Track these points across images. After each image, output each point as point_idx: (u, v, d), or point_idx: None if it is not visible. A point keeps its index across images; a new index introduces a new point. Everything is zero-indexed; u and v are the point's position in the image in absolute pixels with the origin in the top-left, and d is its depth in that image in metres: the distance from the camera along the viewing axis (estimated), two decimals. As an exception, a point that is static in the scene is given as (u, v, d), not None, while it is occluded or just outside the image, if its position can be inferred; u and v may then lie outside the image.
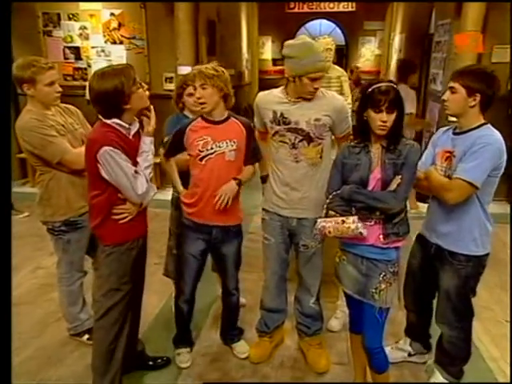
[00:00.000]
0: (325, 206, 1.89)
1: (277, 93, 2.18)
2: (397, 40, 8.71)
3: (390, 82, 1.83)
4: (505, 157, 1.89)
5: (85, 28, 5.61)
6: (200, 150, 2.15)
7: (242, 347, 2.56)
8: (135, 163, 1.92)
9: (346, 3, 11.80)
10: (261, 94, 2.30)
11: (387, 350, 2.45)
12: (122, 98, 1.80)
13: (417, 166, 1.80)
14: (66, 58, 5.67)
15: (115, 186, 1.88)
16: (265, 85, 8.21)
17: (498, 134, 1.89)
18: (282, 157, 2.18)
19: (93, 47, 5.61)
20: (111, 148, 1.80)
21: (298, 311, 2.45)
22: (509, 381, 2.34)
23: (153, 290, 2.66)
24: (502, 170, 1.91)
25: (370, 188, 1.80)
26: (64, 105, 2.42)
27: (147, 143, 1.96)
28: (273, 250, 2.33)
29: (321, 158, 2.15)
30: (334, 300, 2.82)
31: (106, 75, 1.80)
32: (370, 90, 1.75)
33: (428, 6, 6.67)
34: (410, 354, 2.45)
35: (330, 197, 1.86)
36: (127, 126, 1.90)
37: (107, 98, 1.80)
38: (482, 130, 1.89)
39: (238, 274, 2.45)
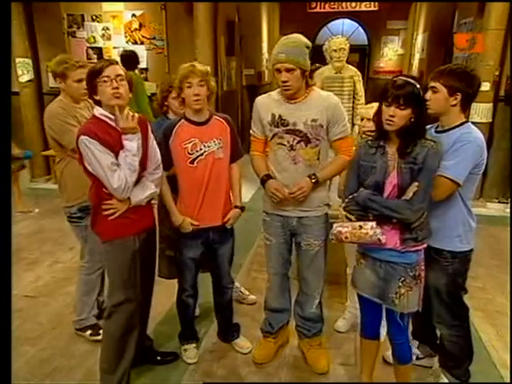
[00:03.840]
0: (341, 208, 1.85)
1: (274, 95, 2.16)
2: (420, 39, 8.57)
3: (413, 77, 1.75)
4: (485, 154, 1.89)
5: (107, 29, 5.77)
6: (189, 153, 2.15)
7: (242, 342, 2.58)
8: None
9: (368, 3, 11.65)
10: (259, 97, 2.24)
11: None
12: (89, 87, 1.89)
13: (436, 171, 1.73)
14: (88, 59, 5.83)
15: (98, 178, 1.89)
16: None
17: (478, 132, 1.90)
18: (281, 159, 2.15)
19: (114, 47, 5.77)
20: (87, 137, 1.83)
21: (298, 315, 2.44)
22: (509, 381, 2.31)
23: (163, 289, 2.71)
24: (483, 168, 1.91)
25: (386, 194, 1.76)
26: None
27: (125, 142, 1.89)
28: (274, 249, 2.33)
29: (318, 159, 2.13)
30: (343, 301, 2.82)
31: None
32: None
33: (451, 4, 6.55)
34: (418, 358, 2.41)
35: (346, 200, 1.81)
36: (112, 116, 1.90)
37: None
38: (464, 128, 1.90)
39: (230, 270, 2.49)
